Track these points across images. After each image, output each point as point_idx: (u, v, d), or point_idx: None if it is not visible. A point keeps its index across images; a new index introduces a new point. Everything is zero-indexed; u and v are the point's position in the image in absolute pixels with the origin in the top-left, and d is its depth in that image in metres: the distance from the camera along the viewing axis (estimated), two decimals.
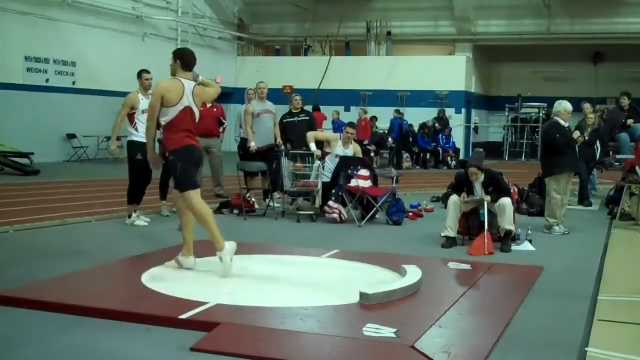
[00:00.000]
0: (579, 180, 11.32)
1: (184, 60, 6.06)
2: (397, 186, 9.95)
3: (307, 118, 11.18)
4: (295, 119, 11.00)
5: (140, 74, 8.77)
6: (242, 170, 10.17)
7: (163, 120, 5.98)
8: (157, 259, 6.39)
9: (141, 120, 8.33)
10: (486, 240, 7.33)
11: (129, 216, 8.67)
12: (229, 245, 5.87)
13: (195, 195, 5.97)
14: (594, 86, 24.16)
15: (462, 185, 7.92)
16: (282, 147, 10.35)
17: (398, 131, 20.14)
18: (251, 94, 11.64)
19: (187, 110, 5.98)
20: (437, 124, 20.98)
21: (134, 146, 8.49)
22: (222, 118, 11.27)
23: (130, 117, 8.60)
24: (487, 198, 7.55)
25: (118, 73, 17.24)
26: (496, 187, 7.73)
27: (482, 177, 7.76)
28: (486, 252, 7.26)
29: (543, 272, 6.46)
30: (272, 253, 7.11)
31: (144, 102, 8.55)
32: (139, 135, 8.28)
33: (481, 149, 21.19)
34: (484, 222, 7.52)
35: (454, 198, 7.75)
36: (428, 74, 22.68)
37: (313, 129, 10.80)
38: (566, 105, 8.94)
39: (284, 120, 11.05)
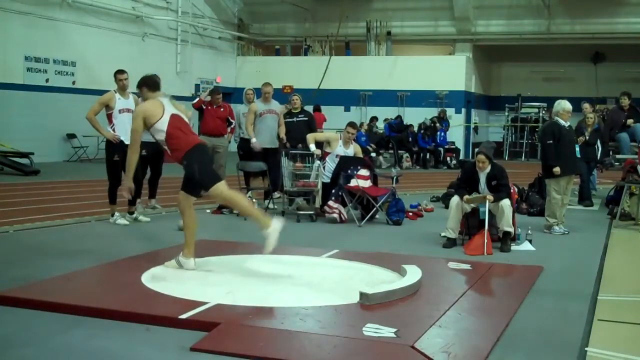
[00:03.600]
0: (579, 180, 11.33)
1: (148, 84, 6.22)
2: (397, 186, 9.95)
3: (306, 118, 11.11)
4: (294, 119, 10.95)
5: (115, 74, 8.82)
6: (242, 170, 10.16)
7: (160, 136, 5.98)
8: (157, 259, 6.39)
9: (116, 123, 8.47)
10: (486, 241, 7.33)
11: (112, 215, 8.67)
12: (276, 224, 5.80)
13: (222, 186, 5.94)
14: (594, 86, 24.17)
15: (468, 176, 7.94)
16: (285, 145, 10.34)
17: (389, 130, 20.32)
18: (250, 94, 11.62)
19: (176, 116, 6.04)
20: (437, 124, 20.98)
21: (111, 147, 8.46)
22: (230, 118, 11.22)
23: (108, 118, 8.64)
24: (490, 198, 7.55)
25: None
26: (499, 181, 7.73)
27: (488, 167, 7.77)
28: (485, 253, 7.26)
29: (543, 272, 6.46)
30: (272, 253, 7.07)
31: (120, 102, 8.64)
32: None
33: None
34: (483, 220, 7.51)
35: (456, 199, 7.74)
36: (428, 74, 22.68)
37: (312, 129, 10.79)
38: (565, 105, 8.94)
39: (284, 121, 11.06)
